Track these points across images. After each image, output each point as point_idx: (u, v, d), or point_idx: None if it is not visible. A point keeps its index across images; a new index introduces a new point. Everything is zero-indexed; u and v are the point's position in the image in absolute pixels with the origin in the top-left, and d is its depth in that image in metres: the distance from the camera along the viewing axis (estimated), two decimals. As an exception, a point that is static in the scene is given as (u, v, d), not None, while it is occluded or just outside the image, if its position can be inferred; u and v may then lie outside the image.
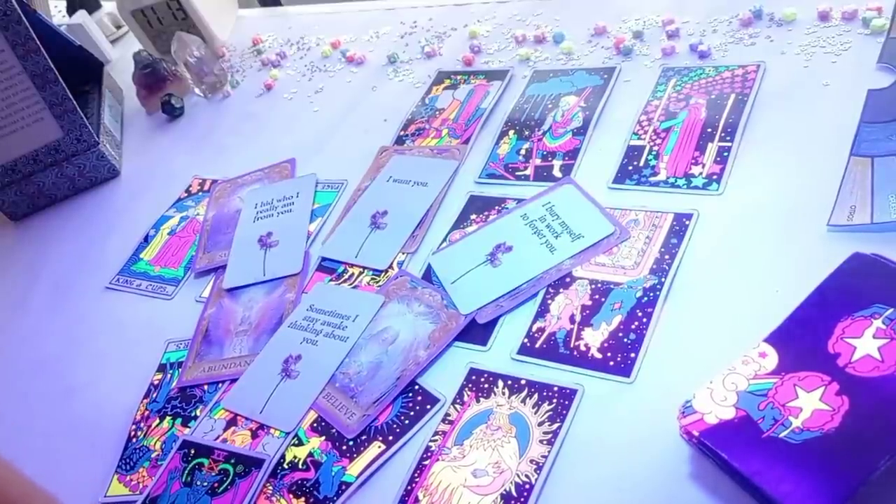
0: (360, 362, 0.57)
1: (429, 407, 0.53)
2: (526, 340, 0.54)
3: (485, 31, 0.86)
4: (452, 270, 0.60)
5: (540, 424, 0.49)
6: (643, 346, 0.50)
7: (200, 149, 0.90)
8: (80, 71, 0.99)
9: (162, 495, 0.55)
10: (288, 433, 0.55)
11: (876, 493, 0.38)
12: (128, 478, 0.58)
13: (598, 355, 0.51)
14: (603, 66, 0.73)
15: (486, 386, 0.52)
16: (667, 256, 0.55)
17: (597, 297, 0.54)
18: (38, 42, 0.85)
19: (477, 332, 0.56)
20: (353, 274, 0.65)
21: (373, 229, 0.67)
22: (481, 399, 0.52)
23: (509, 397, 0.51)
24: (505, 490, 0.46)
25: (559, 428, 0.48)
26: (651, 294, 0.53)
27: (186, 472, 0.56)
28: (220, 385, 0.61)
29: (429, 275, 0.61)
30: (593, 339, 0.52)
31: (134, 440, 0.60)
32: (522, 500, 0.46)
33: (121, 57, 1.15)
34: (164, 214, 0.82)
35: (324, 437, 0.54)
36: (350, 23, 0.99)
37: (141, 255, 0.78)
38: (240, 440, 0.56)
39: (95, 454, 0.61)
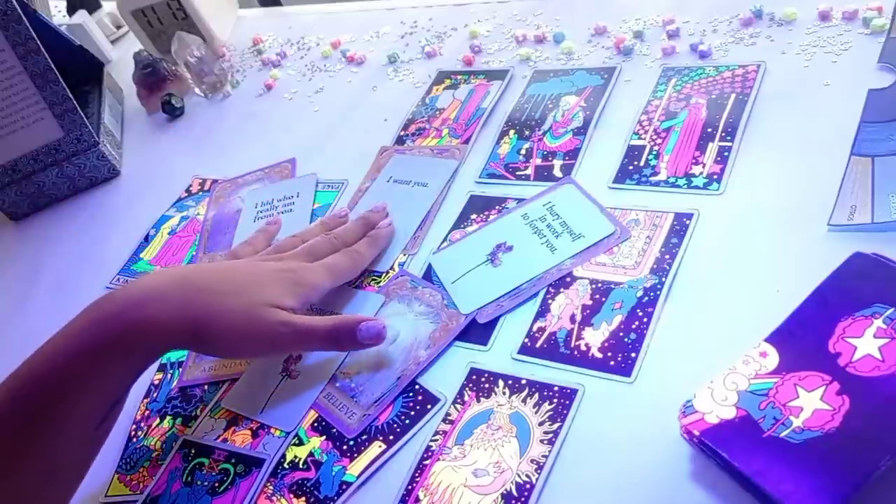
0: (361, 362, 0.57)
1: (429, 407, 0.53)
2: (526, 340, 0.54)
3: (485, 31, 0.86)
4: (453, 270, 0.60)
5: (540, 424, 0.49)
6: (644, 345, 0.50)
7: (200, 149, 0.90)
8: (80, 71, 0.99)
9: (162, 495, 0.55)
10: (288, 433, 0.55)
11: (877, 492, 0.38)
12: (128, 478, 0.58)
13: (599, 355, 0.51)
14: (603, 66, 0.73)
15: (487, 386, 0.52)
16: (667, 256, 0.55)
17: (597, 296, 0.54)
18: (38, 42, 0.85)
19: (477, 331, 0.56)
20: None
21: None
22: (482, 399, 0.52)
23: (510, 397, 0.51)
24: (506, 490, 0.46)
25: (560, 428, 0.48)
26: (651, 294, 0.53)
27: (187, 471, 0.56)
28: (220, 385, 0.61)
29: (429, 274, 0.61)
30: (594, 338, 0.52)
31: (134, 440, 0.60)
32: (523, 499, 0.45)
33: (121, 57, 1.15)
34: (164, 214, 0.82)
35: (324, 437, 0.54)
36: (350, 23, 0.99)
37: (141, 255, 0.78)
38: (240, 440, 0.56)
39: (96, 454, 0.61)
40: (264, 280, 0.55)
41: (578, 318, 0.54)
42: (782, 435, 0.40)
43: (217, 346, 0.54)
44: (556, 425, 0.48)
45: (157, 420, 0.61)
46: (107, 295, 0.52)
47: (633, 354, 0.50)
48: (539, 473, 0.46)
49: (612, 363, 0.50)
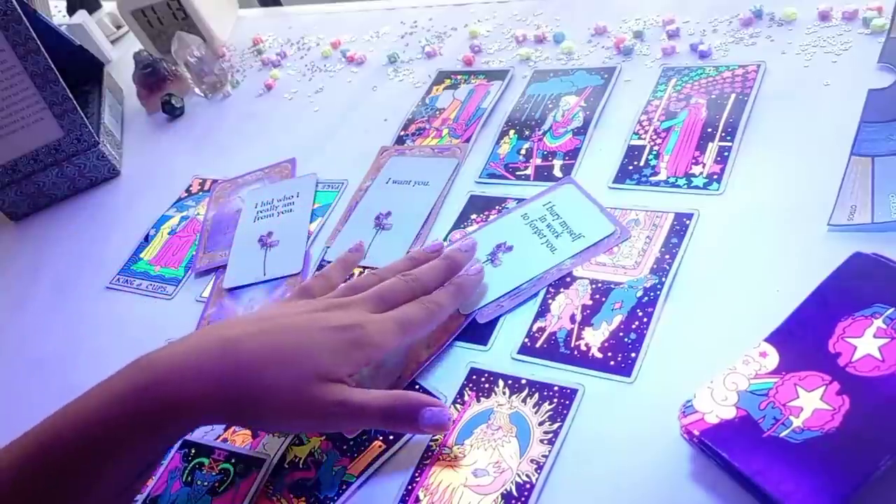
0: (361, 362, 0.57)
1: (429, 407, 0.52)
2: (526, 340, 0.54)
3: (485, 31, 0.86)
4: (453, 270, 0.60)
5: (540, 424, 0.49)
6: (644, 345, 0.50)
7: (200, 149, 0.90)
8: (80, 71, 0.99)
9: (162, 495, 0.55)
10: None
11: (877, 492, 0.38)
12: (128, 477, 0.58)
13: (599, 355, 0.51)
14: (603, 66, 0.73)
15: (487, 386, 0.52)
16: (667, 256, 0.55)
17: (597, 296, 0.54)
18: (38, 42, 0.85)
19: (477, 331, 0.56)
20: (353, 274, 0.65)
21: (378, 230, 0.67)
22: (482, 399, 0.52)
23: (510, 397, 0.51)
24: (505, 490, 0.46)
25: (560, 427, 0.48)
26: (651, 294, 0.53)
27: (187, 471, 0.56)
28: (220, 385, 0.61)
29: (429, 274, 0.61)
30: (594, 338, 0.52)
31: (134, 440, 0.60)
32: (523, 499, 0.45)
33: (121, 57, 1.15)
34: (164, 214, 0.82)
35: (324, 437, 0.54)
36: (350, 23, 0.99)
37: (141, 255, 0.78)
38: (240, 440, 0.56)
39: (96, 454, 0.60)
40: (318, 344, 0.49)
41: (578, 318, 0.54)
42: (782, 435, 0.40)
43: (263, 423, 0.50)
44: (556, 425, 0.48)
45: (157, 420, 0.61)
46: (146, 358, 0.48)
47: (633, 354, 0.50)
48: (539, 473, 0.46)
49: (612, 363, 0.50)
